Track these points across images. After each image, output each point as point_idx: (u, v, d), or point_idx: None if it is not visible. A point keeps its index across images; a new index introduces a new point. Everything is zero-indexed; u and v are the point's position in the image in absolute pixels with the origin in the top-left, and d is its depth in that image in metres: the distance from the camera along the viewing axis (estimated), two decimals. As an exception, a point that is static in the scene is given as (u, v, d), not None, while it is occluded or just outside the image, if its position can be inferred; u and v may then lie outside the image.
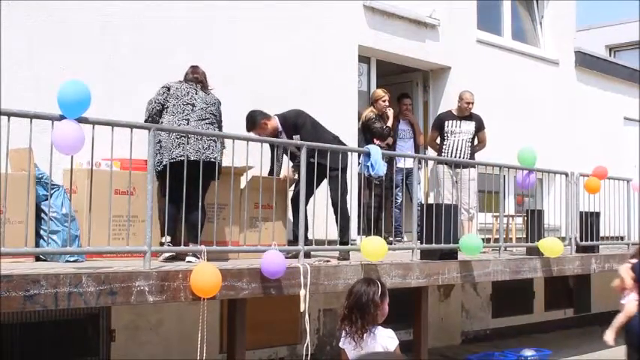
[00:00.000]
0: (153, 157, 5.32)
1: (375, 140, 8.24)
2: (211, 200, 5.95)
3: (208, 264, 5.21)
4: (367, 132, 8.60)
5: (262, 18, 8.01)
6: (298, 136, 6.78)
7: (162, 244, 5.82)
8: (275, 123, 6.91)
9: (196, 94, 6.22)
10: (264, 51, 8.01)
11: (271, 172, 6.83)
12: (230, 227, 5.95)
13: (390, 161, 8.00)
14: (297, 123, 6.92)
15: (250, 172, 6.28)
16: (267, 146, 5.99)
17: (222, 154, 6.20)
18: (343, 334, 4.25)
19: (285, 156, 7.01)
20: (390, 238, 8.43)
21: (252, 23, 7.92)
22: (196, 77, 6.33)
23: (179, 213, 5.64)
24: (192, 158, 5.79)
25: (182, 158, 5.71)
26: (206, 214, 6.08)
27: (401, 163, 8.80)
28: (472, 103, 8.98)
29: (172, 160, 5.82)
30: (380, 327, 4.23)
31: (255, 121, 6.84)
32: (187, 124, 6.03)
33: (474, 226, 8.72)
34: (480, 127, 9.09)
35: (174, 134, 5.89)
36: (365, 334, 4.14)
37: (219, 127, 6.37)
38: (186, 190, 5.47)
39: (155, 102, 6.16)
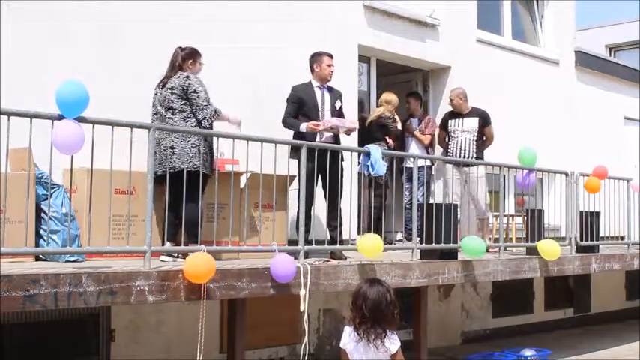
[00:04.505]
0: (152, 157, 5.32)
1: (388, 139, 8.34)
2: (211, 200, 5.94)
3: (202, 253, 5.17)
4: (379, 130, 8.53)
5: (262, 18, 8.01)
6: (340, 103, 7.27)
7: None
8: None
9: (155, 96, 6.16)
10: (264, 51, 8.00)
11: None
12: (230, 227, 5.93)
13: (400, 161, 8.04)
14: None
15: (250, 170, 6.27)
16: (267, 146, 5.97)
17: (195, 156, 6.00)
18: (349, 334, 4.14)
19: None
20: (399, 236, 8.43)
21: (252, 23, 7.92)
22: (164, 79, 6.14)
23: (176, 219, 5.68)
24: (158, 173, 5.69)
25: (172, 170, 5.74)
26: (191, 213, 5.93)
27: (410, 163, 8.68)
28: (453, 100, 8.77)
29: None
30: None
31: None
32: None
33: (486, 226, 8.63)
34: (484, 123, 8.81)
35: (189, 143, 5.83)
36: (385, 338, 4.05)
37: (194, 107, 6.00)
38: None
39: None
